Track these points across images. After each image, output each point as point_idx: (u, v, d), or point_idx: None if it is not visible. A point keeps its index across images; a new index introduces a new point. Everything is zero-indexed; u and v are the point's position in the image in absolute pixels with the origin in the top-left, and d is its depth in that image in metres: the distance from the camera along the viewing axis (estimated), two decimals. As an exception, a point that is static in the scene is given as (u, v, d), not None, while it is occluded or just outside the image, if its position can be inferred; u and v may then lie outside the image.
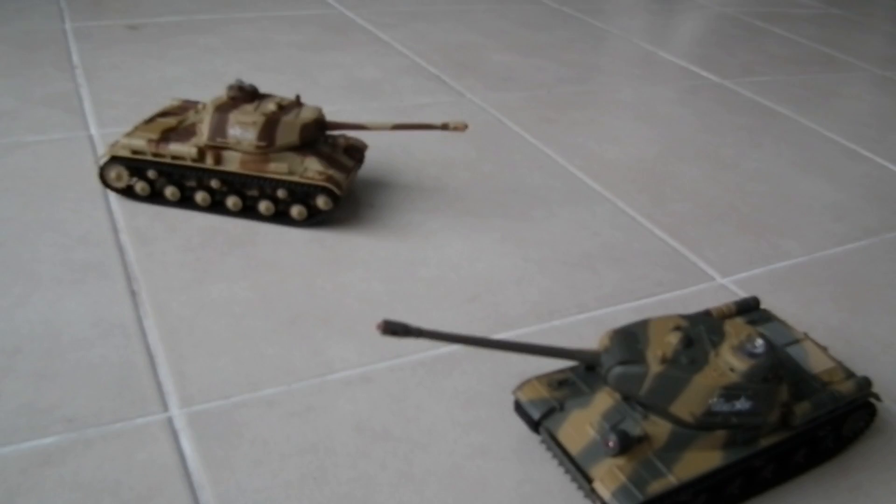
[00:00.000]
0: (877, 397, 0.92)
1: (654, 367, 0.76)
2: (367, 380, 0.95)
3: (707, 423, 0.78)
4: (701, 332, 0.81)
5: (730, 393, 0.76)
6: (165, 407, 0.88)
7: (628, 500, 0.74)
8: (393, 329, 0.71)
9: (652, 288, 1.20)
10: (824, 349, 0.95)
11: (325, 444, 0.85)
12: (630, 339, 0.79)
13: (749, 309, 0.98)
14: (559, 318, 1.10)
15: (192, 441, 0.84)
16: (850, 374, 0.91)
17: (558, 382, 0.86)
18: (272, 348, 0.98)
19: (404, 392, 0.93)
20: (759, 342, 0.78)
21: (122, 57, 1.82)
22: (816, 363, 0.91)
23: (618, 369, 0.77)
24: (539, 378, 0.87)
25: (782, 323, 0.98)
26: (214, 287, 1.07)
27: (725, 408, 0.77)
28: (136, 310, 1.02)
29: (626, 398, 0.81)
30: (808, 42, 2.69)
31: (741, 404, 0.77)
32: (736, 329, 0.81)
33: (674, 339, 0.78)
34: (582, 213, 1.38)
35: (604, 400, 0.82)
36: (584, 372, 0.87)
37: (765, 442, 0.81)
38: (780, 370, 0.80)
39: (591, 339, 1.05)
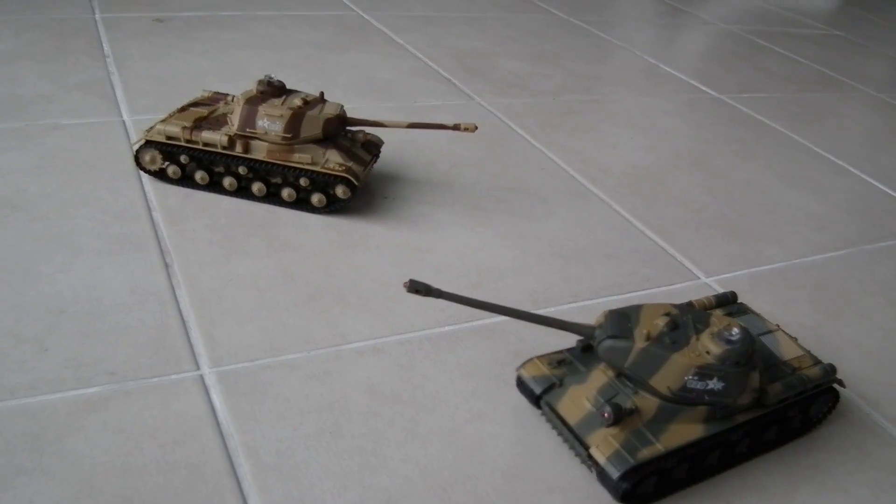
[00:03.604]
0: (841, 383, 1.01)
1: (639, 343, 0.86)
2: (379, 351, 1.04)
3: (682, 398, 0.87)
4: (688, 320, 0.90)
5: (703, 372, 0.86)
6: (197, 366, 0.98)
7: (621, 465, 0.84)
8: (416, 287, 0.81)
9: (640, 283, 1.29)
10: (794, 339, 1.04)
11: (340, 404, 0.95)
12: (622, 318, 0.89)
13: (727, 302, 1.08)
14: (554, 306, 1.19)
15: (221, 396, 0.94)
16: (817, 361, 1.00)
17: (557, 362, 0.96)
18: (293, 319, 1.07)
19: (412, 362, 1.03)
20: (736, 331, 0.87)
21: (151, 48, 1.91)
22: (787, 351, 1.01)
23: (607, 342, 0.87)
24: (540, 357, 0.97)
25: (757, 315, 1.08)
26: (240, 263, 1.17)
27: (699, 386, 0.86)
28: (170, 280, 1.12)
29: (618, 375, 0.90)
30: (808, 62, 2.78)
31: (714, 384, 0.87)
32: (720, 320, 0.91)
33: (661, 322, 0.88)
34: (579, 213, 1.48)
35: (599, 377, 0.92)
36: (580, 353, 0.97)
37: (741, 418, 0.92)
38: (755, 358, 0.90)
39: (582, 323, 1.15)
